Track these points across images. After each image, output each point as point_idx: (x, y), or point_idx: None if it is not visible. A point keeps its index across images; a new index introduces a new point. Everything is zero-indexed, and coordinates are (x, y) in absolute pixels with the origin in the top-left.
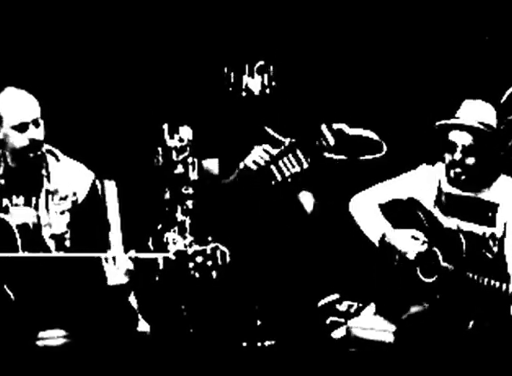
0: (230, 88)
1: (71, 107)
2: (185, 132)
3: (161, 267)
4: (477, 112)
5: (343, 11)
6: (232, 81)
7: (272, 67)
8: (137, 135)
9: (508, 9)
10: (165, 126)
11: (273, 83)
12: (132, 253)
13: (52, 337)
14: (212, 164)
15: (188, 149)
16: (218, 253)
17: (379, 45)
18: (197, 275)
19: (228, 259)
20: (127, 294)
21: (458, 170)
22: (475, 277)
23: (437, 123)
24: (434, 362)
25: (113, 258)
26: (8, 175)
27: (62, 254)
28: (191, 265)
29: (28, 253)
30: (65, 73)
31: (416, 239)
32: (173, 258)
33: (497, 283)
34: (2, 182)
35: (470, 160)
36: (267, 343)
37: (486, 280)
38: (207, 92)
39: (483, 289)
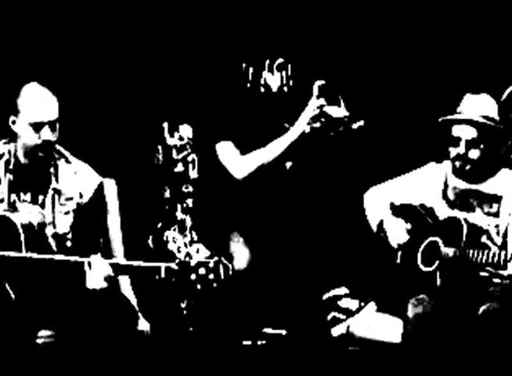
0: (248, 84)
1: (71, 105)
2: (185, 131)
3: (163, 275)
4: (479, 106)
5: (357, 14)
6: (251, 76)
7: (290, 66)
8: (137, 133)
9: (508, 8)
10: (165, 124)
11: (291, 82)
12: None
13: (52, 335)
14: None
15: (188, 147)
16: (221, 267)
17: (390, 44)
18: (199, 287)
19: (230, 273)
20: (108, 297)
21: (462, 162)
22: (475, 254)
23: (440, 118)
24: (437, 360)
25: (89, 264)
26: (17, 171)
27: (42, 256)
28: (193, 276)
29: (16, 253)
30: (65, 70)
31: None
32: (175, 268)
33: (496, 252)
34: (11, 177)
35: (474, 154)
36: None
37: (485, 255)
38: (211, 89)
39: (483, 267)
